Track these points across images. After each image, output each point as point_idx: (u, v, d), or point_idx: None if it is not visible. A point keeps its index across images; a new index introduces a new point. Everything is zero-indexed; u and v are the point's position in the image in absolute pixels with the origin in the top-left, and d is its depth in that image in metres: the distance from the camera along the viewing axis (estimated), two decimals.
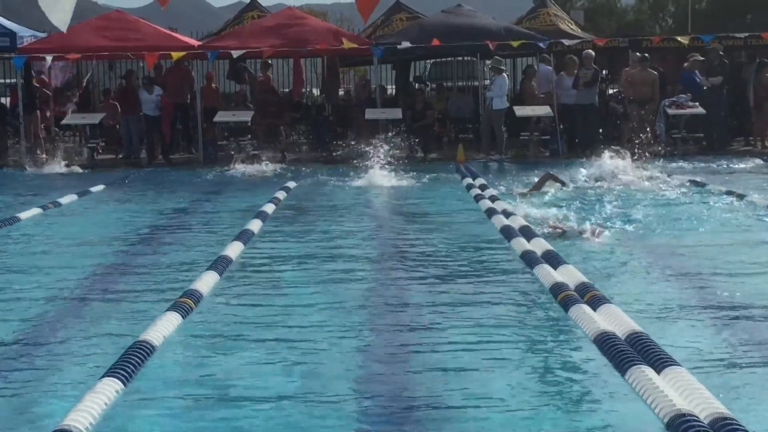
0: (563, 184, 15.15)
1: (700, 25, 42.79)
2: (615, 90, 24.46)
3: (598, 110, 22.38)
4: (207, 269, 9.07)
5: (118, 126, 23.41)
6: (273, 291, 8.62)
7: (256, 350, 6.62)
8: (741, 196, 13.73)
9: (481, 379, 5.92)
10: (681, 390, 5.31)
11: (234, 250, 10.19)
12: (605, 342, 6.27)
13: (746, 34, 23.83)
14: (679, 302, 7.74)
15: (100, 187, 17.21)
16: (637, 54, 22.25)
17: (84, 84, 27.33)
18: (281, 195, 15.32)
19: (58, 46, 23.07)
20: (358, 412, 5.41)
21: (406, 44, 23.16)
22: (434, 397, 5.58)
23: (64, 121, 24.32)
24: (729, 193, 14.20)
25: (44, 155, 22.47)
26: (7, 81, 28.00)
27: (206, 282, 8.53)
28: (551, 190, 14.93)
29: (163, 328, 6.89)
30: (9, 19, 24.93)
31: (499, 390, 5.70)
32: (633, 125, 21.07)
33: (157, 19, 27.79)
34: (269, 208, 13.68)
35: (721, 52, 22.40)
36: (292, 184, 16.96)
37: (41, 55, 22.74)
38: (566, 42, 23.40)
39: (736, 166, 19.10)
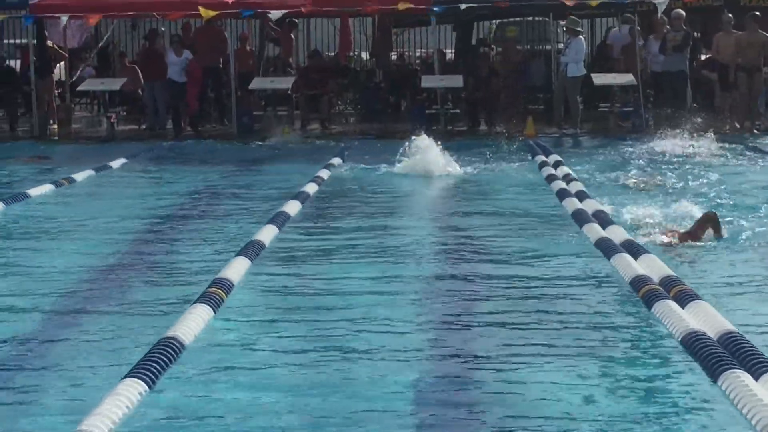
0: (720, 235, 10.96)
1: None
2: (708, 56, 24.14)
3: (688, 79, 22.13)
4: (236, 255, 9.12)
5: (141, 92, 23.48)
6: (311, 280, 8.68)
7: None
8: None
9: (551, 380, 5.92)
10: None
11: (267, 234, 10.25)
12: (695, 343, 6.24)
13: None
14: None
15: (120, 161, 17.32)
16: (729, 15, 21.91)
17: (103, 45, 27.50)
18: (324, 174, 15.33)
19: (75, 4, 23.08)
20: (415, 404, 5.56)
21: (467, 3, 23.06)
22: (502, 399, 5.63)
23: (80, 87, 24.48)
24: None
25: (56, 125, 22.68)
26: (18, 41, 28.16)
27: (236, 269, 8.58)
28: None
29: (192, 323, 6.92)
30: None
31: (572, 392, 5.72)
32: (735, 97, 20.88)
33: None
34: (310, 188, 13.70)
35: None
36: (337, 161, 16.94)
37: (55, 15, 22.83)
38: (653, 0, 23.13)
39: None
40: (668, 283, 7.74)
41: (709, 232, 10.19)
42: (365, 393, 5.77)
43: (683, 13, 21.88)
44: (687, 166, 15.62)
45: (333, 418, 5.36)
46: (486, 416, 5.36)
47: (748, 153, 17.27)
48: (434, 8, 22.59)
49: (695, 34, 23.42)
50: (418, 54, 30.33)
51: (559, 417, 5.37)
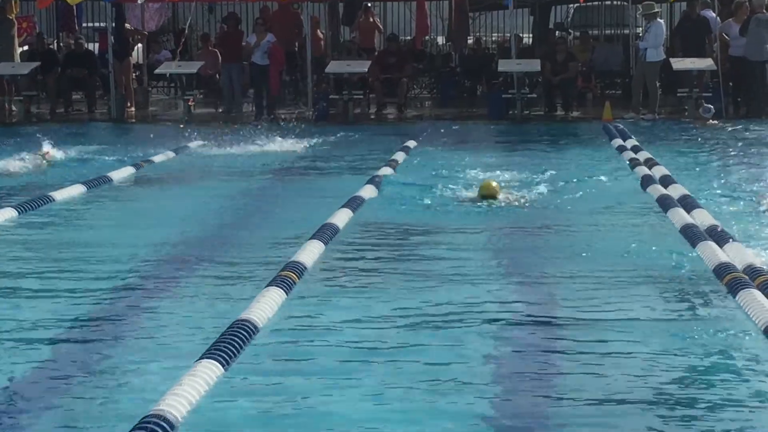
0: None
1: None
2: None
3: None
4: (311, 238, 9.10)
5: (218, 76, 23.59)
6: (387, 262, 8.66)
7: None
8: None
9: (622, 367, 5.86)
10: None
11: (341, 218, 10.24)
12: None
13: None
14: None
15: (198, 143, 17.40)
16: None
17: (181, 29, 27.66)
18: (400, 156, 15.27)
19: None
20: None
21: None
22: (580, 393, 5.51)
23: (158, 70, 24.66)
24: None
25: (133, 108, 22.85)
26: (96, 25, 28.43)
27: (310, 253, 8.57)
28: None
29: (266, 305, 6.91)
30: None
31: (647, 381, 5.65)
32: None
33: None
34: (386, 171, 13.66)
35: None
36: (412, 144, 16.90)
37: None
38: None
39: None
40: (752, 272, 7.61)
41: None
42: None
43: None
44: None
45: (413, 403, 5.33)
46: None
47: None
48: None
49: None
50: (494, 38, 30.21)
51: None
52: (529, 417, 5.24)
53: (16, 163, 14.64)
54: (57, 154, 15.33)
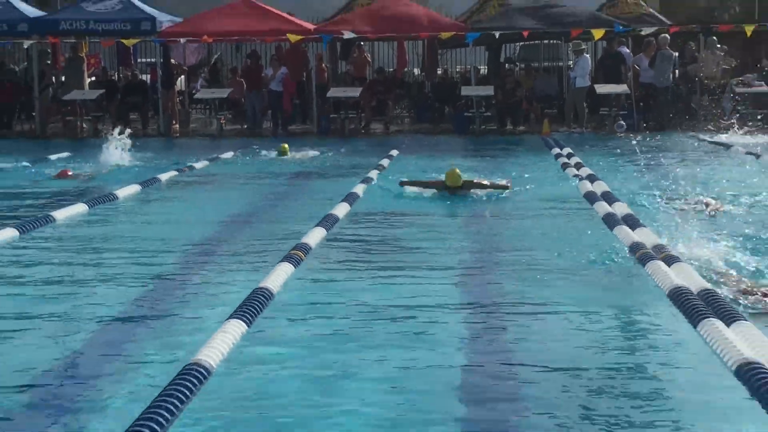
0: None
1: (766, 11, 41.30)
2: (685, 71, 23.77)
3: (672, 89, 21.89)
4: (316, 225, 9.09)
5: (243, 100, 23.56)
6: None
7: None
8: None
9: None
10: (749, 342, 5.15)
11: (341, 209, 10.24)
12: (679, 296, 6.13)
13: None
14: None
15: (230, 153, 17.33)
16: (712, 38, 21.65)
17: (213, 63, 27.61)
18: (386, 162, 15.27)
19: (192, 30, 23.19)
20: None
21: (497, 30, 22.94)
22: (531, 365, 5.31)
23: (196, 96, 24.67)
24: None
25: (177, 125, 22.82)
26: (148, 60, 28.37)
27: (315, 236, 8.57)
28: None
29: (279, 276, 6.93)
30: (148, 5, 25.16)
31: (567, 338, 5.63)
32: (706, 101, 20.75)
33: (279, 4, 27.70)
34: (374, 174, 13.66)
35: None
36: (395, 152, 16.88)
37: (177, 39, 22.99)
38: (644, 31, 22.81)
39: None
40: (658, 248, 7.64)
41: None
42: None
43: (668, 37, 21.69)
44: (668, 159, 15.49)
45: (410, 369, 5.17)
46: None
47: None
48: (470, 35, 22.60)
49: (675, 54, 23.10)
50: (458, 70, 30.14)
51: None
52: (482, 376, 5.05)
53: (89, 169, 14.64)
54: (77, 172, 14.25)
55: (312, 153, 17.13)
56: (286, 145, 16.55)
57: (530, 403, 4.65)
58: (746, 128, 18.51)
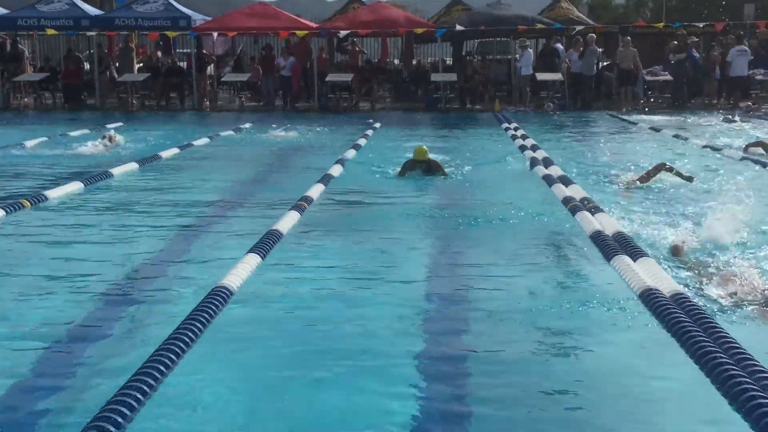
0: (687, 179, 8.89)
1: (672, 18, 41.12)
2: (608, 63, 23.66)
3: (596, 78, 21.86)
4: (317, 182, 9.01)
5: (259, 83, 23.34)
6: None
7: None
8: None
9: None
10: (649, 274, 5.21)
11: (336, 169, 10.12)
12: (597, 237, 6.17)
13: (703, 24, 22.83)
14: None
15: (248, 124, 17.18)
16: (628, 38, 21.53)
17: (237, 53, 27.31)
18: (370, 132, 15.20)
19: (219, 26, 23.11)
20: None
21: (460, 28, 22.72)
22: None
23: (223, 79, 24.44)
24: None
25: (208, 102, 22.62)
26: (185, 50, 28.02)
27: (315, 191, 8.50)
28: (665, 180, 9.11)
29: (289, 220, 6.92)
30: (185, 6, 24.93)
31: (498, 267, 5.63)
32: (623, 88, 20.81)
33: (287, 8, 27.39)
34: (362, 141, 13.59)
35: (695, 39, 21.63)
36: (378, 125, 16.80)
37: (208, 33, 22.76)
38: (577, 28, 22.70)
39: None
40: (585, 200, 7.64)
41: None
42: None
43: (594, 36, 21.57)
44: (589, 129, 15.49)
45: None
46: None
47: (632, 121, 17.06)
48: (439, 31, 22.40)
49: (600, 49, 22.94)
50: (429, 60, 29.90)
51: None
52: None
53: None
54: (119, 137, 13.31)
55: (314, 125, 17.00)
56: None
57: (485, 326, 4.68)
58: (650, 109, 18.57)
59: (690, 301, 4.54)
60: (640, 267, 5.30)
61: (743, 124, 15.99)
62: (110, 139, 12.95)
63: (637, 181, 8.80)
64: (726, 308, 4.68)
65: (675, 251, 5.42)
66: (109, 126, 15.76)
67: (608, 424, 3.42)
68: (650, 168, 9.02)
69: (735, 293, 4.85)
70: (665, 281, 4.95)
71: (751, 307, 4.66)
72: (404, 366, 3.94)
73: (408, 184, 9.38)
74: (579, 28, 22.82)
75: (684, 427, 3.41)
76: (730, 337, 3.96)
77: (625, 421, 3.43)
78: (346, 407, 3.51)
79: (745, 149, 9.03)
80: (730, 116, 16.93)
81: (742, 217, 6.29)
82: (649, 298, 4.66)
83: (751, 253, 5.75)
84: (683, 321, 4.18)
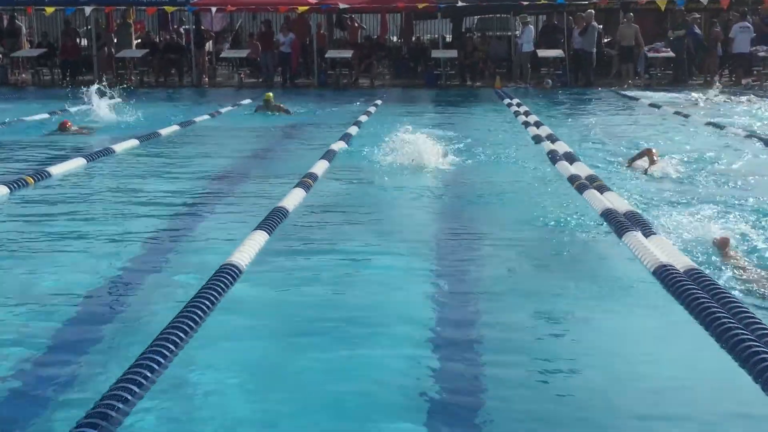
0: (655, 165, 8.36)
1: None
2: (608, 39, 23.48)
3: (596, 54, 21.65)
4: (320, 158, 8.91)
5: (258, 59, 23.14)
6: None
7: None
8: None
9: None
10: (663, 251, 5.13)
11: (338, 144, 10.02)
12: (609, 215, 6.10)
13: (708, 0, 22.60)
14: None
15: (248, 100, 17.04)
16: (630, 14, 21.34)
17: (235, 29, 27.07)
18: (372, 109, 15.08)
19: (219, 1, 22.77)
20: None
21: (462, 3, 22.49)
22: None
23: (221, 55, 24.23)
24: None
25: (207, 78, 22.44)
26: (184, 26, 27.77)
27: (320, 167, 8.42)
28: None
29: (294, 199, 6.83)
30: None
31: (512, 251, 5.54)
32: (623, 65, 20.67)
33: None
34: (363, 118, 13.46)
35: (696, 15, 21.47)
36: (378, 101, 16.67)
37: (207, 8, 22.49)
38: (578, 2, 22.43)
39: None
40: (591, 178, 7.56)
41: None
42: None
43: (593, 12, 21.32)
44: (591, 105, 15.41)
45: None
46: None
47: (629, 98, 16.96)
48: (440, 5, 22.18)
49: (600, 26, 22.72)
50: (429, 37, 29.69)
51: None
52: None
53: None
54: (75, 126, 11.85)
55: (311, 101, 16.88)
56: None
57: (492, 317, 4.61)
58: (652, 85, 18.41)
59: (706, 277, 4.47)
60: (652, 244, 5.23)
61: (744, 99, 15.91)
62: (67, 126, 11.60)
63: (625, 164, 8.63)
64: (740, 285, 4.62)
65: (720, 244, 5.13)
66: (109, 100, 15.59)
67: (625, 405, 3.35)
68: (637, 153, 8.79)
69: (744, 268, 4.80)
70: (679, 257, 4.88)
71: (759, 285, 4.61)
72: (414, 341, 3.90)
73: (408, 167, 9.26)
74: (581, 2, 22.58)
75: (707, 406, 3.34)
76: (750, 312, 3.89)
77: (643, 404, 3.36)
78: (352, 386, 3.47)
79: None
80: (732, 94, 16.84)
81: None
82: (664, 274, 4.58)
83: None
84: (701, 297, 4.11)
